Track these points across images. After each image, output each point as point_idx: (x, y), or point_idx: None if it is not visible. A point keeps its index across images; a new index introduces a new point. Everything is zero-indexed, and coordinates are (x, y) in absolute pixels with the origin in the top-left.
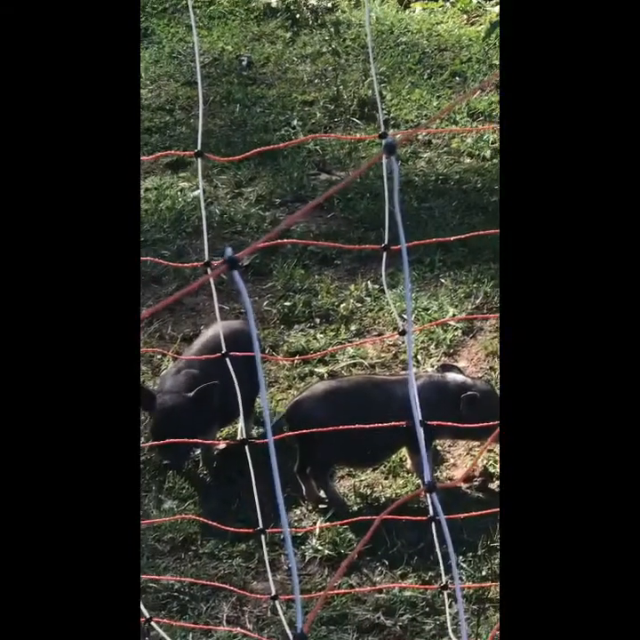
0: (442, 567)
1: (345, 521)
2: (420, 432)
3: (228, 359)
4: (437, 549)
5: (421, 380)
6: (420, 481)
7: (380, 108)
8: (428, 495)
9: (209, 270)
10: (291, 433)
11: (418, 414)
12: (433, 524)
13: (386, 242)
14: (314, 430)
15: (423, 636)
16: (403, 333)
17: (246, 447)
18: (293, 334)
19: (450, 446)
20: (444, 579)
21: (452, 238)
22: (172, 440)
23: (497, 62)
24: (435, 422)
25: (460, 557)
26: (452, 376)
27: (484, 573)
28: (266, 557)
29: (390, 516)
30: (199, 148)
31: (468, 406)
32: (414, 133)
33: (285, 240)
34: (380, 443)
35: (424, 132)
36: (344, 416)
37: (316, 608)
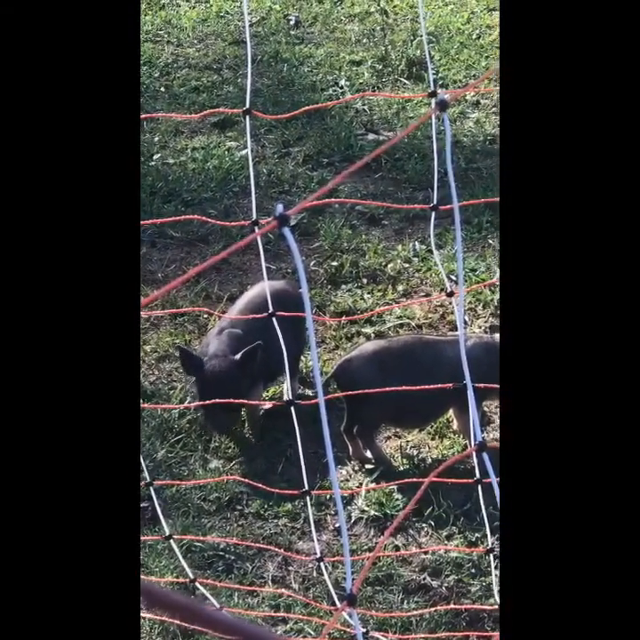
0: (488, 529)
1: (391, 482)
2: (471, 393)
3: (274, 319)
4: (483, 511)
5: (471, 341)
6: (466, 442)
7: (430, 67)
8: (476, 455)
9: (257, 229)
10: (339, 394)
11: (468, 375)
12: (479, 486)
13: (435, 201)
14: (362, 391)
15: (469, 597)
16: (450, 295)
17: (292, 408)
18: (340, 294)
19: (497, 407)
20: (490, 541)
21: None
22: (220, 400)
23: None
24: (482, 384)
25: None
26: None
27: None
28: (311, 518)
29: (438, 479)
30: (247, 106)
31: None
32: (463, 92)
33: (333, 199)
34: (428, 403)
35: (472, 91)
36: (392, 376)
37: (364, 569)
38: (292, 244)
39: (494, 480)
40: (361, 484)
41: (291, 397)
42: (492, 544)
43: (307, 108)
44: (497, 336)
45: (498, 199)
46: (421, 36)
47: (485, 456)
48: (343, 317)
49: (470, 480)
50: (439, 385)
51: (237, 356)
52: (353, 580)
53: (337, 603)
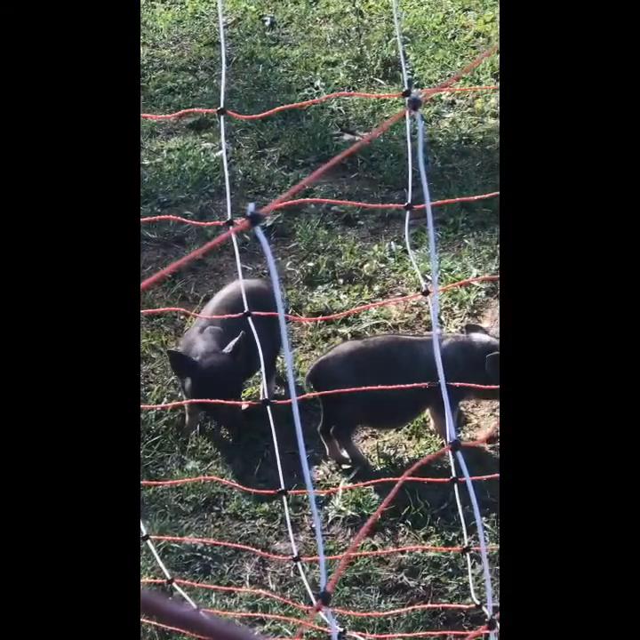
0: (464, 528)
1: (368, 482)
2: (445, 393)
3: (250, 319)
4: (460, 510)
5: (447, 341)
6: (443, 442)
7: (404, 67)
8: (451, 454)
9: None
10: (315, 393)
11: (442, 375)
12: (455, 485)
13: (409, 201)
14: (338, 391)
15: (446, 596)
16: (426, 294)
17: (268, 408)
18: (316, 295)
19: (473, 407)
20: (466, 540)
21: (475, 197)
22: (198, 400)
23: None
24: (458, 383)
25: (484, 518)
26: (478, 336)
27: None
28: (288, 518)
29: (412, 478)
30: (222, 106)
31: (492, 366)
32: (437, 92)
33: (308, 199)
34: (404, 403)
35: (447, 91)
36: (368, 376)
37: (339, 569)
38: (263, 243)
39: (468, 479)
40: (338, 484)
41: (267, 397)
42: (469, 543)
43: (280, 107)
44: (473, 335)
45: (474, 198)
46: (397, 36)
47: (460, 455)
48: (319, 317)
49: (446, 479)
50: (414, 384)
51: (228, 350)
52: (328, 579)
53: (314, 602)
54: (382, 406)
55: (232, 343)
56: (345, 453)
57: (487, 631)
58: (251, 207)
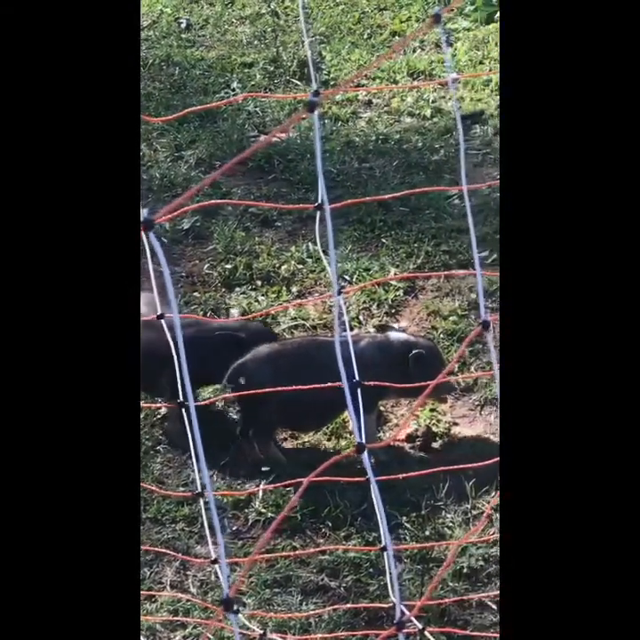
0: (381, 528)
1: (285, 483)
2: (348, 393)
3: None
4: (377, 510)
5: (365, 341)
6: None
7: (312, 67)
8: (361, 455)
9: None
10: (233, 394)
11: (348, 375)
12: (372, 486)
13: (320, 201)
14: (256, 391)
15: (368, 596)
16: (339, 293)
17: (184, 410)
18: (234, 297)
19: (393, 407)
20: (383, 540)
21: (387, 196)
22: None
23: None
24: (373, 383)
25: (404, 518)
26: (396, 335)
27: (427, 533)
28: (205, 522)
29: (321, 479)
30: None
31: (415, 364)
32: (336, 92)
33: (226, 201)
34: (322, 405)
35: (341, 92)
36: (287, 378)
37: (243, 573)
38: (157, 248)
39: (372, 479)
40: (257, 485)
41: (181, 400)
42: (385, 543)
43: (193, 108)
44: (390, 334)
45: (387, 197)
46: (312, 36)
47: (365, 456)
48: (238, 317)
49: (361, 478)
50: (330, 384)
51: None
52: (230, 584)
53: (235, 606)
54: (301, 407)
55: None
56: (264, 456)
57: (396, 632)
58: (144, 212)
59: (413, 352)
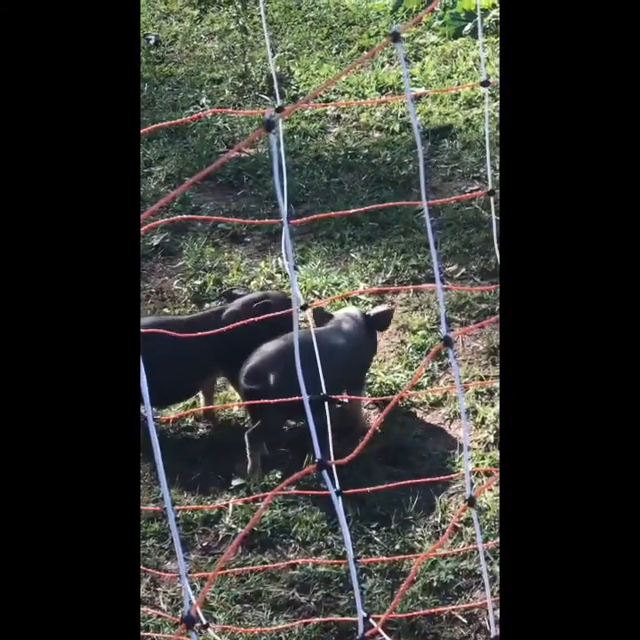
0: (345, 538)
1: (254, 496)
2: (307, 408)
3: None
4: (343, 524)
5: (347, 324)
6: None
7: (277, 83)
8: (321, 470)
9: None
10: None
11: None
12: (339, 500)
13: (284, 216)
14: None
15: (338, 611)
16: (304, 308)
17: (150, 423)
18: None
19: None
20: (348, 550)
21: (356, 211)
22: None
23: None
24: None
25: (373, 531)
26: (344, 312)
27: (397, 547)
28: (175, 537)
29: (288, 492)
30: None
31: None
32: (298, 107)
33: (195, 216)
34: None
35: (307, 106)
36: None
37: (204, 590)
38: None
39: (334, 494)
40: (227, 501)
41: (144, 414)
42: (355, 556)
43: (160, 124)
44: (340, 313)
45: (354, 210)
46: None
47: (325, 474)
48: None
49: (325, 491)
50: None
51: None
52: (190, 603)
53: (203, 621)
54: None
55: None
56: (251, 459)
57: None
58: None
59: (372, 312)
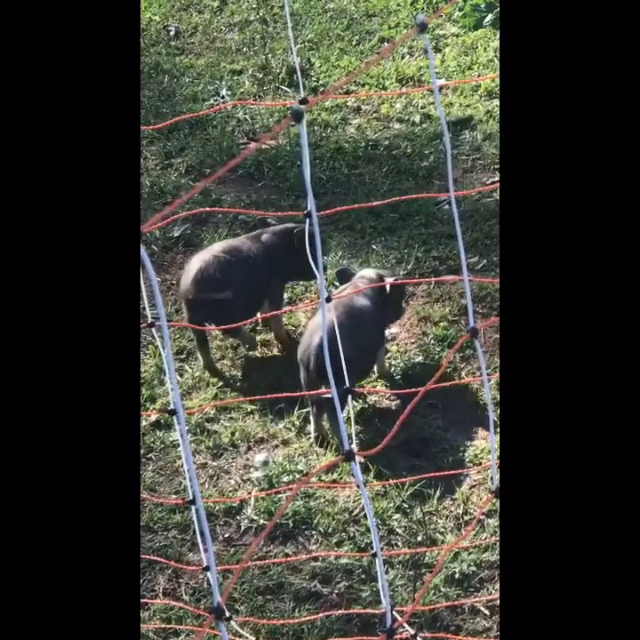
0: (372, 533)
1: (277, 489)
2: (337, 401)
3: None
4: (368, 516)
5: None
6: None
7: (300, 74)
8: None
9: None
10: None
11: (345, 382)
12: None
13: (308, 208)
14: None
15: (360, 602)
16: (328, 300)
17: (175, 418)
18: None
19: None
20: (375, 546)
21: (377, 203)
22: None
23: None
24: (366, 389)
25: (395, 523)
26: (361, 274)
27: (419, 539)
28: (197, 528)
29: (312, 484)
30: None
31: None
32: (323, 99)
33: (216, 208)
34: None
35: (327, 98)
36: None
37: (232, 579)
38: (144, 257)
39: (362, 486)
40: (249, 493)
41: (172, 408)
42: (376, 549)
43: (183, 116)
44: (357, 276)
45: (375, 202)
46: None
47: (353, 465)
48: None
49: (349, 484)
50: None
51: None
52: (221, 592)
53: (226, 613)
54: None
55: None
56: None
57: (387, 638)
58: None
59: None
